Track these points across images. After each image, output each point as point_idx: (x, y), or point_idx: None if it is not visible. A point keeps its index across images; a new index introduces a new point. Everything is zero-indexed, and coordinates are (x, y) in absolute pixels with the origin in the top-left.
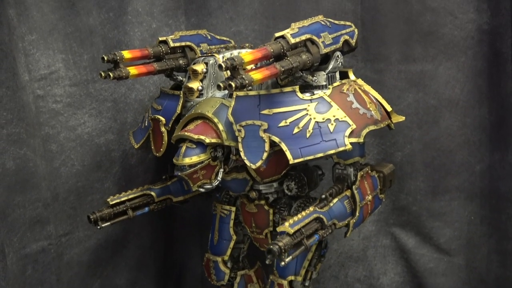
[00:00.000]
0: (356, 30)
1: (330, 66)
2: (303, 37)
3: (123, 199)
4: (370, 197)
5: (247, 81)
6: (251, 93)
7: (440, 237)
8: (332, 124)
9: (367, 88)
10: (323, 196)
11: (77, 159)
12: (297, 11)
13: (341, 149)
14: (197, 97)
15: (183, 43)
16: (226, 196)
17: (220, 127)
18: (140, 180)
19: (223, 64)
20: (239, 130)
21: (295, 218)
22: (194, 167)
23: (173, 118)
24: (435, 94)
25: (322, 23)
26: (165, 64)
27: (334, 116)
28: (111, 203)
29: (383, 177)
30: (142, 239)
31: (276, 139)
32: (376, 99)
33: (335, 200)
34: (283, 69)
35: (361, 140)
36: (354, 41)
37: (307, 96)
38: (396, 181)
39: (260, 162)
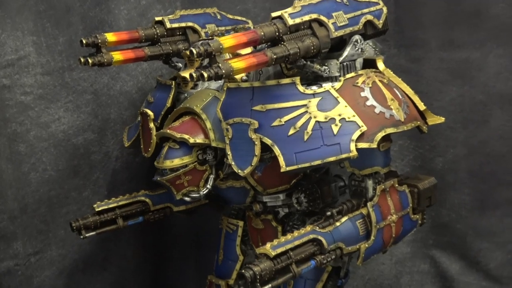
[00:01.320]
0: (384, 9)
1: (345, 53)
2: (307, 17)
3: (112, 205)
4: (394, 218)
5: (223, 71)
6: (244, 85)
7: (489, 262)
8: (336, 125)
9: (396, 81)
10: (328, 213)
11: (50, 163)
12: None
13: (343, 156)
14: (192, 88)
15: (183, 24)
16: (235, 207)
17: (208, 124)
18: (125, 189)
19: (194, 50)
20: (227, 129)
21: (282, 239)
22: (176, 171)
23: (162, 113)
24: (484, 87)
25: (338, 0)
26: (159, 49)
27: (340, 115)
28: (97, 209)
29: (417, 193)
30: (127, 260)
31: (268, 141)
32: (407, 95)
33: (344, 219)
34: (274, 56)
35: (374, 145)
36: (382, 21)
37: (309, 89)
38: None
39: (249, 168)
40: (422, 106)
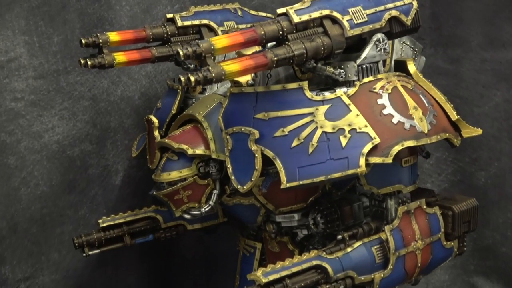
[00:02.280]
0: (414, 3)
1: (364, 54)
2: (316, 14)
3: (118, 221)
4: (420, 244)
5: (213, 74)
6: (247, 90)
7: None
8: (345, 137)
9: (427, 86)
10: (339, 236)
11: (43, 177)
12: None
13: (350, 172)
14: (200, 92)
15: (197, 22)
16: (254, 227)
17: (209, 134)
18: (127, 206)
19: (181, 51)
20: (227, 139)
21: (278, 264)
22: (174, 185)
23: (167, 120)
24: None
25: None
26: (168, 49)
27: (350, 124)
28: (102, 225)
29: (451, 216)
30: (128, 287)
31: (269, 154)
32: (438, 103)
33: (357, 244)
34: (275, 58)
35: (389, 160)
36: (410, 18)
37: (319, 96)
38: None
39: (249, 184)
40: (454, 116)
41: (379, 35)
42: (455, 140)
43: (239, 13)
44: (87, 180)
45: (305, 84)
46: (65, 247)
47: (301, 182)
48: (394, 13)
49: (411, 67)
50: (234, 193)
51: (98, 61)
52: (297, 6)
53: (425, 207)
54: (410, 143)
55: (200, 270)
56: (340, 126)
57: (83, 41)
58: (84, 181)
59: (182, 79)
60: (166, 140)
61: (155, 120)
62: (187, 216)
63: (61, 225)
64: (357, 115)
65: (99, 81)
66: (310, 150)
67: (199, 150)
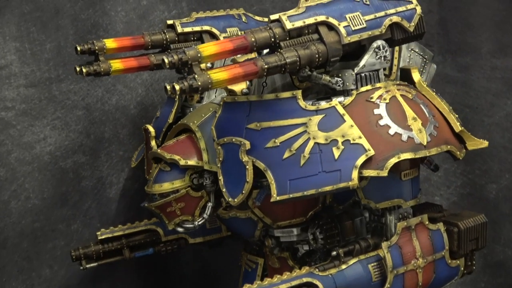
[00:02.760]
0: (418, 8)
1: (362, 62)
2: (311, 20)
3: (117, 233)
4: (421, 262)
5: (199, 83)
6: (240, 98)
7: None
8: (338, 148)
9: (430, 96)
10: (334, 253)
11: (34, 190)
12: None
13: (341, 185)
14: (198, 101)
15: (198, 28)
16: (257, 241)
17: (202, 144)
18: (122, 220)
19: (166, 59)
20: (218, 150)
21: (266, 281)
22: (166, 197)
23: (164, 130)
24: None
25: None
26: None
27: (343, 135)
28: (100, 237)
29: (457, 233)
30: None
31: (261, 165)
32: (441, 114)
33: (352, 261)
34: (266, 66)
35: (384, 173)
36: (413, 24)
37: (313, 105)
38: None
39: (240, 196)
40: (457, 127)
41: (379, 42)
42: (458, 152)
43: (243, 19)
44: (80, 192)
45: (298, 93)
46: (57, 262)
47: (291, 196)
48: (395, 19)
49: (416, 76)
50: (230, 206)
51: (93, 69)
52: (291, 12)
53: (427, 223)
54: (407, 156)
55: (200, 287)
56: (333, 137)
57: (78, 48)
58: (77, 194)
59: (168, 87)
60: (159, 150)
61: (151, 129)
62: (180, 229)
63: (53, 240)
64: (351, 125)
65: (93, 89)
66: (302, 162)
67: (192, 161)
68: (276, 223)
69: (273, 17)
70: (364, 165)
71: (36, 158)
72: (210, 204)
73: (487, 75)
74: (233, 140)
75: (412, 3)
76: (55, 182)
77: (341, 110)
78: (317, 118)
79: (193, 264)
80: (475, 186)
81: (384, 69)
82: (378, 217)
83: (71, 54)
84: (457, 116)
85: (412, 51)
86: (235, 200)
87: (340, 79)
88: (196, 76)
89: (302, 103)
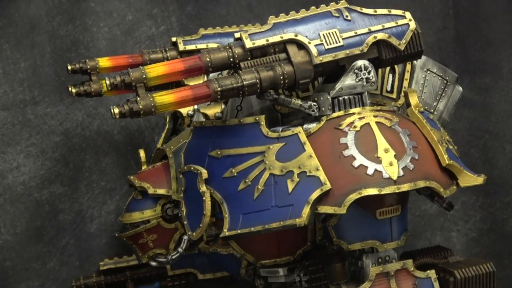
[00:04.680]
0: (411, 23)
1: (338, 85)
2: (276, 38)
3: (121, 265)
4: None
5: (141, 106)
6: (207, 123)
7: None
8: (293, 181)
9: (420, 124)
10: None
11: (6, 224)
12: None
13: (288, 222)
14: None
15: (202, 45)
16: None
17: (172, 172)
18: (104, 258)
19: (107, 80)
20: (181, 179)
21: None
22: (137, 227)
23: (153, 155)
24: None
25: (335, 13)
26: None
27: (300, 167)
28: (102, 268)
29: (453, 283)
30: None
31: (217, 197)
32: (430, 145)
33: None
34: (219, 89)
35: (342, 210)
36: (404, 41)
37: (275, 133)
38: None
39: (198, 230)
40: (444, 160)
41: (361, 63)
42: (442, 189)
43: None
44: (57, 227)
45: (261, 118)
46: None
47: (239, 231)
48: (381, 36)
49: (413, 99)
50: (212, 239)
51: (83, 89)
52: (254, 29)
53: (412, 269)
54: (370, 191)
55: None
56: (290, 168)
57: (69, 67)
58: (53, 229)
59: (111, 111)
60: (132, 177)
61: (142, 154)
62: (153, 263)
63: (26, 280)
64: (310, 156)
65: (72, 113)
66: (256, 194)
67: (161, 190)
68: (259, 261)
69: (237, 35)
70: (322, 200)
71: (8, 189)
72: (185, 237)
73: (509, 97)
74: (192, 168)
75: (405, 17)
76: (29, 215)
77: (303, 138)
78: (276, 147)
79: None
80: (496, 220)
81: (373, 92)
82: (355, 260)
83: (48, 73)
84: (449, 147)
85: (429, 72)
86: (194, 234)
87: (314, 103)
88: (138, 99)
89: (264, 129)
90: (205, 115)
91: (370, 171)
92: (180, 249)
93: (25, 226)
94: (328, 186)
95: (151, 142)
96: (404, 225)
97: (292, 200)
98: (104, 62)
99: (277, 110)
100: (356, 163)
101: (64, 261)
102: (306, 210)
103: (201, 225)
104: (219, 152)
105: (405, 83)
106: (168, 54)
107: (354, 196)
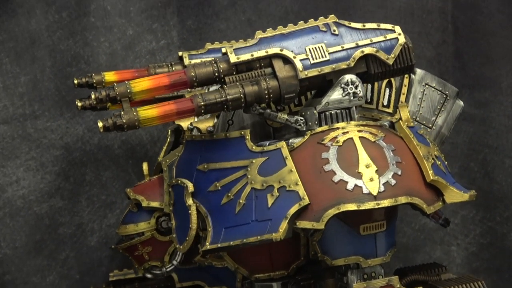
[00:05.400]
0: (401, 38)
1: (325, 100)
2: (261, 53)
3: (130, 276)
4: None
5: (124, 120)
6: (197, 137)
7: None
8: (272, 195)
9: (408, 139)
10: None
11: (5, 238)
12: (352, 9)
13: (265, 237)
14: None
15: (209, 59)
16: None
17: (165, 185)
18: (104, 271)
19: (93, 95)
20: (169, 192)
21: None
22: (132, 239)
23: (154, 168)
24: None
25: (322, 28)
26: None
27: (280, 181)
28: (112, 279)
29: None
30: None
31: (202, 210)
32: (416, 161)
33: None
34: (203, 103)
35: (320, 226)
36: (393, 56)
37: (259, 147)
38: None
39: (185, 243)
40: (429, 176)
41: (348, 77)
42: (425, 206)
43: None
44: (57, 241)
45: (246, 132)
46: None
47: (219, 245)
48: (368, 50)
49: (403, 113)
50: (206, 253)
51: (89, 103)
52: (239, 44)
53: (398, 286)
54: (349, 207)
55: None
56: (270, 182)
57: (76, 81)
58: (53, 242)
59: (98, 124)
60: (128, 189)
61: (145, 167)
62: (148, 275)
63: None
64: (291, 170)
65: (72, 127)
66: (237, 208)
67: (155, 203)
68: (253, 275)
69: (224, 50)
70: (301, 215)
71: (8, 203)
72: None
73: (508, 112)
74: (179, 181)
75: (395, 32)
76: (28, 229)
77: (285, 152)
78: (259, 161)
79: None
80: (496, 235)
81: (363, 105)
82: (341, 275)
83: (48, 88)
84: (436, 163)
85: (427, 86)
86: (181, 247)
87: (301, 118)
88: (122, 113)
89: (249, 143)
90: (198, 129)
91: (350, 186)
92: (174, 262)
93: (24, 240)
94: (306, 201)
95: (153, 156)
96: (390, 241)
97: (271, 215)
98: (110, 76)
99: (269, 124)
100: (336, 178)
101: (64, 275)
102: (283, 225)
103: (187, 238)
104: (205, 166)
105: (402, 98)
106: (173, 68)
107: (332, 212)
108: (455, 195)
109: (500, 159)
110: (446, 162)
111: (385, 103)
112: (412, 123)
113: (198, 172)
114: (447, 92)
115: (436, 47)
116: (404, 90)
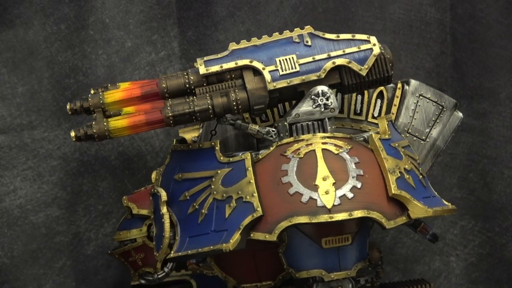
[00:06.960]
0: (375, 48)
1: (294, 111)
2: (231, 65)
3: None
4: None
5: (94, 130)
6: (179, 147)
7: None
8: (230, 206)
9: (377, 153)
10: None
11: (3, 247)
12: (351, 20)
13: (217, 247)
14: None
15: (184, 71)
16: None
17: None
18: (100, 279)
19: (68, 105)
20: (151, 200)
21: None
22: (125, 245)
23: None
24: None
25: (296, 39)
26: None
27: (238, 193)
28: (133, 283)
29: None
30: None
31: (174, 219)
32: (382, 174)
33: None
34: (171, 114)
35: (272, 237)
36: (366, 67)
37: (226, 158)
38: None
39: (161, 251)
40: (391, 190)
41: (319, 89)
42: (383, 220)
43: None
44: (53, 250)
45: (217, 143)
46: None
47: (180, 254)
48: (340, 61)
49: (381, 125)
50: (201, 260)
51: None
52: (210, 56)
53: None
54: (301, 220)
55: None
56: (230, 193)
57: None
58: (49, 251)
59: (71, 134)
60: (124, 197)
61: (153, 176)
62: (142, 281)
63: None
64: (249, 182)
65: (70, 138)
66: (200, 218)
67: (144, 211)
68: (241, 284)
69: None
70: (255, 226)
71: (5, 212)
72: None
73: (507, 122)
74: (156, 190)
75: (370, 42)
76: (25, 238)
77: (247, 164)
78: (224, 172)
79: None
80: (495, 245)
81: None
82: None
83: (45, 98)
84: (403, 176)
85: (421, 97)
86: (156, 254)
87: (273, 129)
88: (93, 123)
89: (218, 154)
90: (183, 139)
91: (304, 199)
92: (166, 269)
93: (21, 249)
94: (259, 212)
95: (154, 166)
96: (358, 254)
97: (227, 225)
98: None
99: (252, 135)
100: (292, 190)
101: (60, 283)
102: (236, 236)
103: (161, 246)
104: (180, 176)
105: (394, 109)
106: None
107: (284, 224)
108: (418, 210)
109: (499, 169)
110: (422, 176)
111: (376, 114)
112: (387, 136)
113: (174, 181)
114: (443, 104)
115: (434, 58)
116: (396, 101)
